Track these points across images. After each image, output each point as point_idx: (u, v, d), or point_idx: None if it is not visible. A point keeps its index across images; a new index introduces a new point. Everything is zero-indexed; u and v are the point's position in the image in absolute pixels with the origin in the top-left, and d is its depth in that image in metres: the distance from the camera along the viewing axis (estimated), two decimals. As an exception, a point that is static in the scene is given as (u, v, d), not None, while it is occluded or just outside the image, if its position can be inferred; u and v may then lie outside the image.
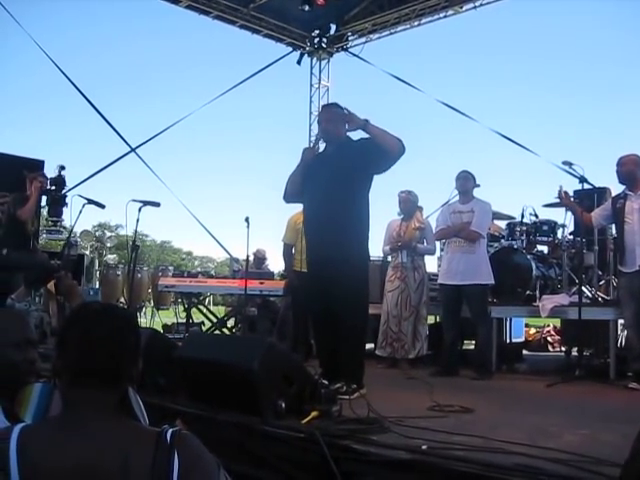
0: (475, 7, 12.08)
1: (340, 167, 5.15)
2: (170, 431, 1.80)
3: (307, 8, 12.41)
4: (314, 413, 3.81)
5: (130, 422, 1.88)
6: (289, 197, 5.54)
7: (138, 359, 1.94)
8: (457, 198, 7.23)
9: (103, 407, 1.82)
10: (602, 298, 7.43)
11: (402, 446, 3.25)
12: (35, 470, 1.69)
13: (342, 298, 5.01)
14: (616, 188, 6.68)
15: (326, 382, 4.32)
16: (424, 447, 3.21)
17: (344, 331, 5.05)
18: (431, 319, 8.35)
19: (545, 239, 8.11)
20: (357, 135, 5.29)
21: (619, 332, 6.98)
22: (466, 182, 7.10)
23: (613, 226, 7.28)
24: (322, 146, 5.54)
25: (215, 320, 9.80)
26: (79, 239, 12.76)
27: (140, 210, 6.79)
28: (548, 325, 10.70)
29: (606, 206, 6.58)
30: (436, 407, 4.48)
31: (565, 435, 3.68)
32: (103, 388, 1.82)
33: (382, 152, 5.04)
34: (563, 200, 6.82)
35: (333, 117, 5.30)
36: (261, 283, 8.55)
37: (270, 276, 9.59)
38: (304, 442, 3.39)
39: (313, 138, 6.18)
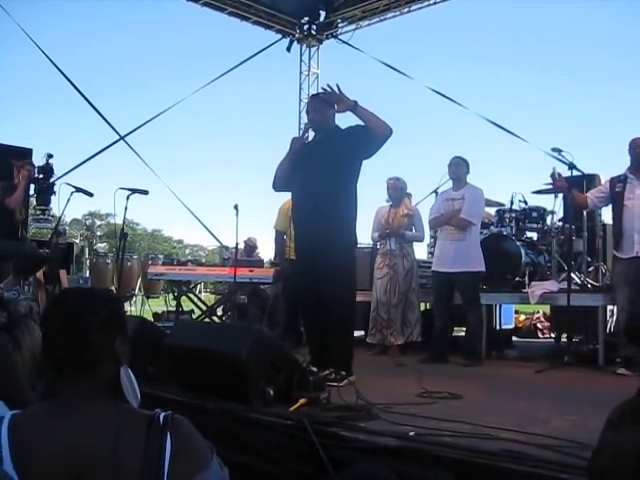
0: (465, -7, 12.06)
1: (328, 155, 5.16)
2: (163, 414, 1.80)
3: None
4: (302, 400, 3.81)
5: (121, 405, 1.85)
6: (278, 186, 5.55)
7: (112, 337, 1.89)
8: (450, 185, 7.21)
9: (90, 390, 1.82)
10: (591, 284, 7.44)
11: (390, 433, 3.25)
12: (27, 453, 1.69)
13: (329, 285, 5.02)
14: (605, 175, 6.67)
15: (315, 369, 4.33)
16: (412, 434, 3.21)
17: (332, 318, 5.06)
18: (422, 306, 8.35)
19: (534, 226, 8.11)
20: (344, 123, 5.30)
21: (608, 318, 7.00)
22: (458, 168, 7.06)
23: (602, 212, 7.28)
24: (311, 134, 5.55)
25: (205, 308, 9.78)
26: (68, 227, 12.72)
27: (128, 198, 6.79)
28: (537, 312, 10.73)
29: (603, 188, 6.50)
30: (425, 394, 4.49)
31: (553, 421, 3.70)
32: (82, 372, 1.82)
33: (370, 135, 5.06)
34: (556, 182, 6.77)
35: (321, 106, 5.32)
36: (251, 271, 8.53)
37: (260, 264, 9.57)
38: (292, 429, 3.39)
39: (303, 125, 6.17)
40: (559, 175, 6.70)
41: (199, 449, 1.82)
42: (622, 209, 6.14)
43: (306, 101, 13.55)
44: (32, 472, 1.67)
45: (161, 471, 1.70)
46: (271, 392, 3.84)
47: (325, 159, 5.15)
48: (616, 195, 6.21)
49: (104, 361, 1.86)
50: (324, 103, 5.33)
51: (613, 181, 6.33)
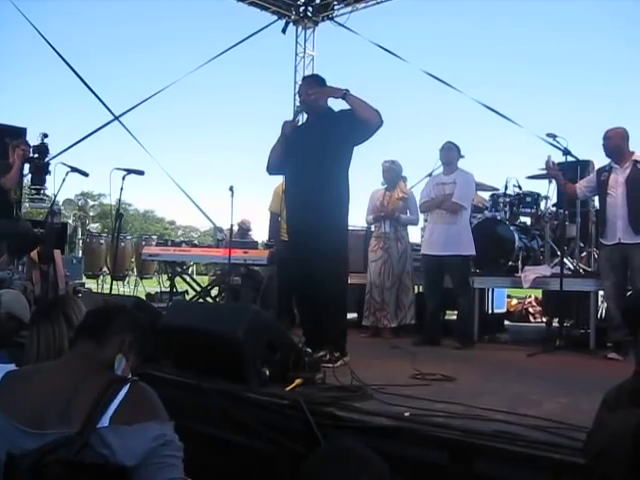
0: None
1: (320, 138, 5.17)
2: (133, 377, 2.10)
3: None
4: (298, 380, 3.84)
5: (103, 369, 2.11)
6: (272, 169, 5.57)
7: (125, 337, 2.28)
8: (441, 169, 7.24)
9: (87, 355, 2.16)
10: (583, 270, 7.49)
11: (385, 413, 3.29)
12: (8, 388, 2.03)
13: (322, 266, 5.04)
14: (599, 161, 6.72)
15: (310, 350, 4.36)
16: (407, 414, 3.25)
17: (325, 299, 5.09)
18: (415, 289, 8.38)
19: (528, 211, 8.14)
20: (338, 106, 5.31)
21: (599, 303, 7.06)
22: (449, 153, 7.09)
23: (596, 198, 7.34)
24: (303, 118, 5.56)
25: (199, 289, 9.81)
26: (62, 207, 12.71)
27: (124, 178, 6.79)
28: (530, 296, 10.80)
29: (591, 178, 6.59)
30: (418, 375, 4.53)
31: (545, 403, 3.73)
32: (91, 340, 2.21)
33: (361, 123, 5.06)
34: (550, 170, 6.84)
35: (314, 89, 5.31)
36: (245, 252, 8.54)
37: (254, 245, 9.59)
38: (288, 409, 3.42)
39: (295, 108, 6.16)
40: (553, 163, 6.77)
41: (153, 405, 2.00)
42: (606, 197, 6.23)
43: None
44: (7, 396, 1.98)
45: (106, 409, 1.89)
46: (267, 372, 3.87)
47: (317, 142, 5.16)
48: (601, 184, 6.31)
49: (112, 346, 2.20)
50: (316, 86, 5.33)
51: (599, 171, 6.45)
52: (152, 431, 1.90)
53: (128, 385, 1.97)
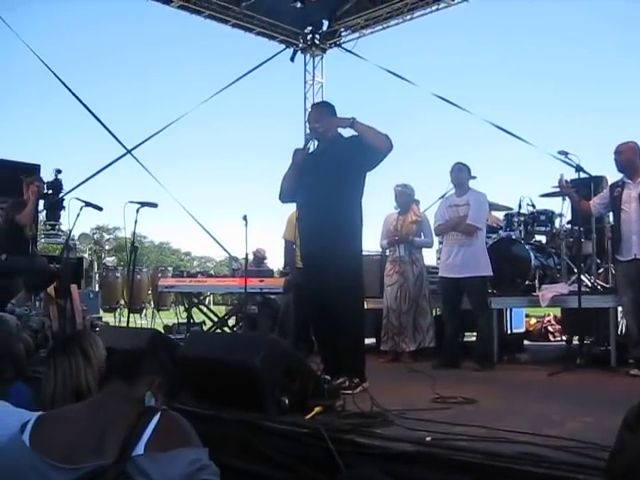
0: (467, -1, 12.10)
1: (331, 165, 5.18)
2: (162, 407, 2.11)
3: (299, 5, 12.41)
4: (318, 408, 3.82)
5: (135, 404, 2.12)
6: (284, 197, 5.58)
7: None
8: (453, 191, 7.23)
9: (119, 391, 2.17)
10: (601, 286, 7.44)
11: (407, 438, 3.26)
12: (42, 426, 2.00)
13: (337, 292, 5.02)
14: (612, 176, 6.71)
15: (329, 377, 4.34)
16: (429, 439, 3.22)
17: (341, 325, 5.06)
18: (434, 312, 8.34)
19: (543, 229, 8.12)
20: (348, 132, 5.32)
21: (619, 319, 7.00)
22: (460, 174, 7.09)
23: (611, 214, 7.32)
24: (314, 144, 5.58)
25: (216, 319, 9.80)
26: (77, 242, 12.78)
27: (138, 211, 6.82)
28: (548, 314, 10.72)
29: (604, 194, 6.60)
30: (439, 399, 4.49)
31: (568, 423, 3.69)
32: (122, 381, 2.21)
33: (370, 149, 5.08)
34: (563, 188, 6.84)
35: (322, 116, 5.34)
36: (261, 281, 8.53)
37: (270, 274, 9.59)
38: (308, 437, 3.40)
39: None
40: (567, 182, 6.77)
41: (186, 431, 2.02)
42: (620, 213, 6.21)
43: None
44: (40, 437, 1.95)
45: (140, 437, 1.90)
46: (286, 401, 3.85)
47: (328, 168, 5.18)
48: (614, 200, 6.32)
49: (142, 385, 2.21)
50: (325, 112, 5.37)
51: (612, 187, 6.46)
52: (188, 456, 1.91)
53: (159, 413, 1.99)
